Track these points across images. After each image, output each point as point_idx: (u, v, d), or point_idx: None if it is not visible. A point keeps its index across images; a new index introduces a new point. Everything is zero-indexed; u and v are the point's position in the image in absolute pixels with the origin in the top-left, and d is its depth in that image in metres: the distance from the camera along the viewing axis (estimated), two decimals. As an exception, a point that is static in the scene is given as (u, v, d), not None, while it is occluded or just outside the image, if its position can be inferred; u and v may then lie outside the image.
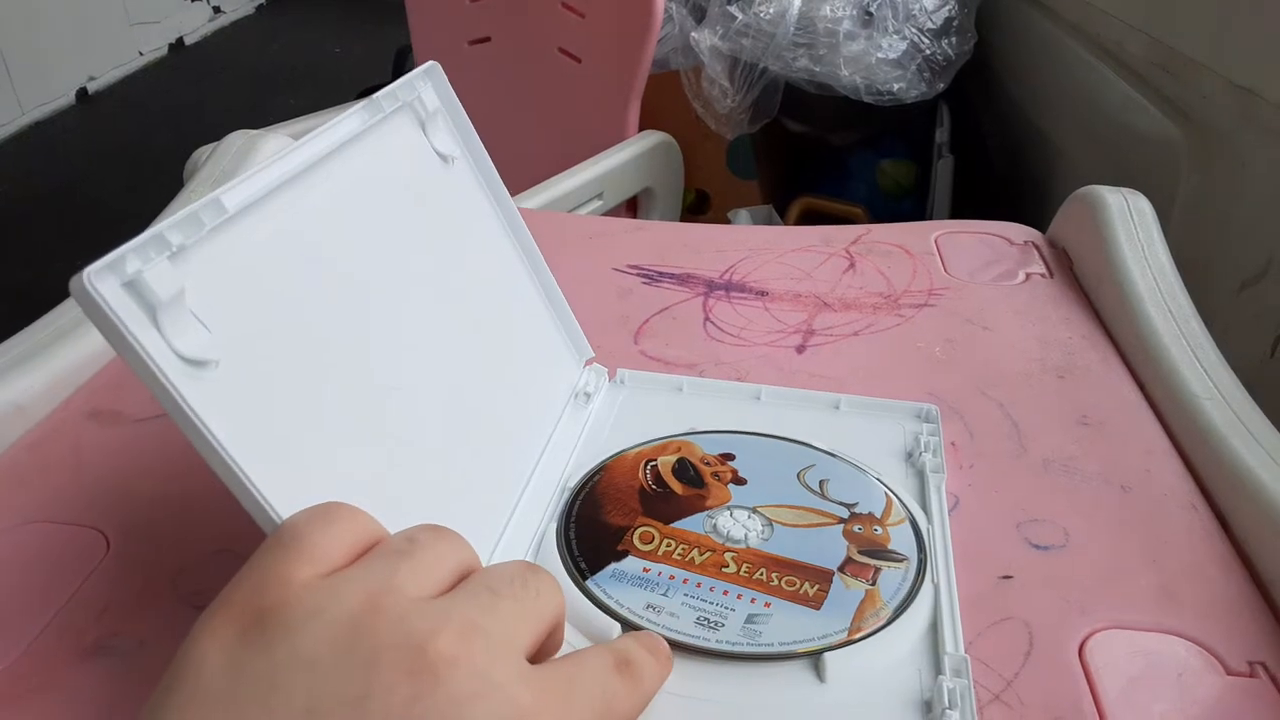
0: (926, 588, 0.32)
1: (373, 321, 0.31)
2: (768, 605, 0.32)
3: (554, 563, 0.33)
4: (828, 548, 0.34)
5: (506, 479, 0.36)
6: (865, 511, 0.36)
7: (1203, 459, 0.38)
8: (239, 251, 0.27)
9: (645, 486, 0.37)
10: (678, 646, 0.31)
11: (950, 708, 0.28)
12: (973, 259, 0.53)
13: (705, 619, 0.31)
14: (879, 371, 0.44)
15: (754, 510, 0.35)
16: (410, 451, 0.31)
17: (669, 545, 0.34)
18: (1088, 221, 0.50)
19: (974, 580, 0.33)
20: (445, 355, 0.34)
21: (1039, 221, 0.57)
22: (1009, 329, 0.47)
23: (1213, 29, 0.65)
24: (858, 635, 0.31)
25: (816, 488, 0.37)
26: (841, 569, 0.33)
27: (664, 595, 0.32)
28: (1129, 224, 0.49)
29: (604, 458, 0.38)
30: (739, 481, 0.37)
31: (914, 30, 0.93)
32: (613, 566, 0.33)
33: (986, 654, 0.30)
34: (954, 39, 0.94)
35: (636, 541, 0.34)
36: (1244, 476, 0.35)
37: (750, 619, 0.31)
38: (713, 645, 0.31)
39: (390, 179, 0.34)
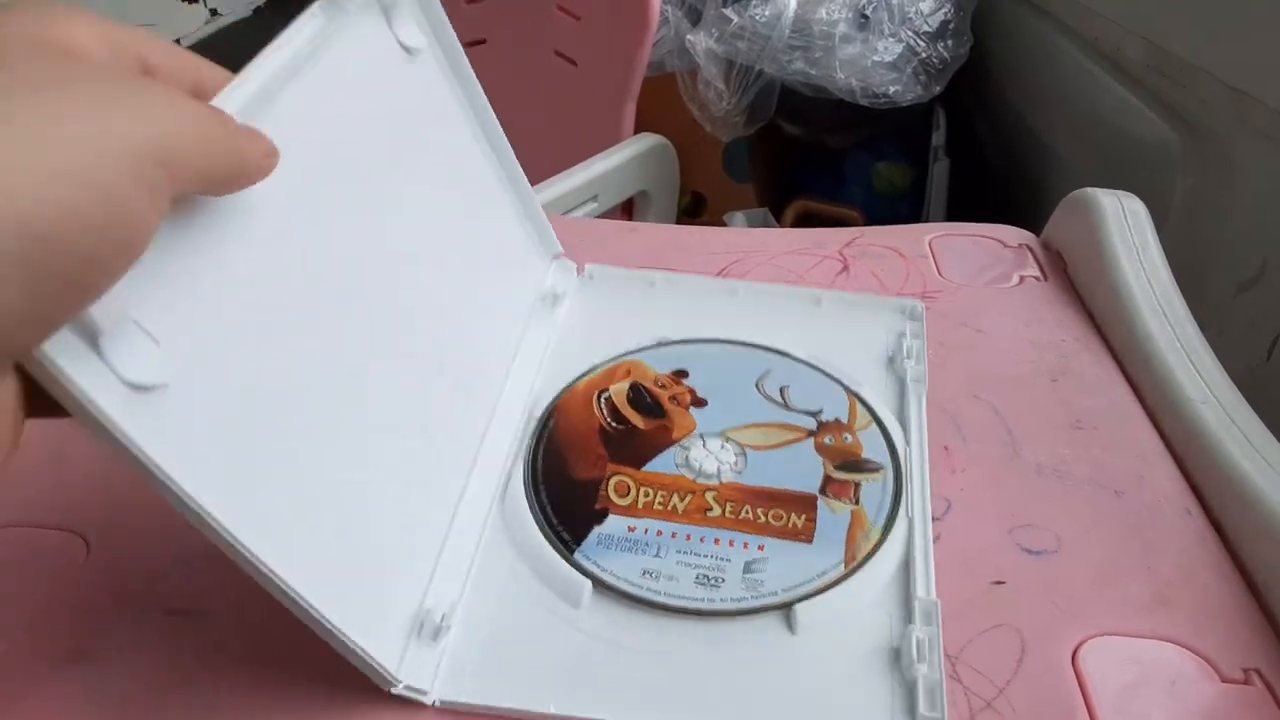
0: (900, 521, 0.32)
1: (332, 259, 0.29)
2: (761, 548, 0.31)
3: (531, 534, 0.32)
4: (804, 468, 0.33)
5: (473, 408, 0.34)
6: (832, 418, 0.35)
7: (1197, 464, 0.37)
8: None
9: (605, 425, 0.35)
10: (682, 612, 0.30)
11: (919, 660, 0.28)
12: (966, 261, 0.52)
13: (704, 576, 0.31)
14: (871, 374, 0.44)
15: (723, 436, 0.34)
16: (374, 387, 0.30)
17: (647, 495, 0.33)
18: (1082, 224, 0.50)
19: (965, 585, 0.32)
20: (409, 277, 0.32)
21: (1035, 225, 0.56)
22: (1002, 332, 0.46)
23: (1210, 33, 0.64)
24: (854, 565, 0.31)
25: (778, 397, 0.35)
26: (823, 491, 0.33)
27: (657, 556, 0.31)
28: (1123, 226, 0.48)
29: (567, 380, 0.36)
30: (699, 403, 0.35)
31: (910, 33, 0.93)
32: (596, 531, 0.32)
33: (978, 660, 0.30)
34: (950, 42, 0.94)
35: (613, 494, 0.33)
36: (1239, 482, 0.35)
37: (748, 567, 0.31)
38: (719, 606, 0.30)
39: (349, 88, 0.31)
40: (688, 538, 0.31)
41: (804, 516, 0.32)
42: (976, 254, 0.53)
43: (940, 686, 0.28)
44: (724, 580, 0.30)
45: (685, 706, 0.28)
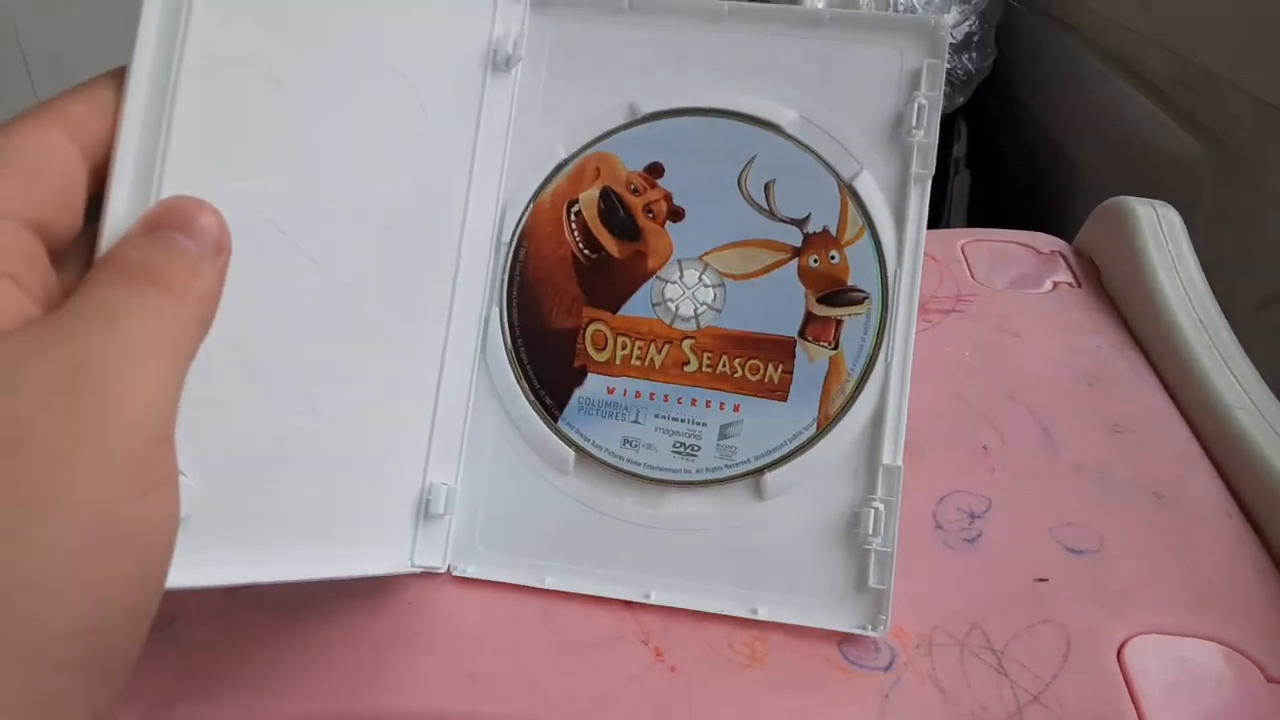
0: (879, 367, 0.32)
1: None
2: (737, 409, 0.32)
3: (516, 399, 0.33)
4: (785, 302, 0.32)
5: (438, 247, 0.32)
6: (819, 229, 0.32)
7: (1236, 468, 0.37)
8: None
9: (577, 254, 0.33)
10: (658, 483, 0.32)
11: (874, 534, 0.30)
12: (999, 266, 0.53)
13: (681, 445, 0.32)
14: (908, 374, 0.44)
15: (702, 265, 0.33)
16: (347, 312, 0.27)
17: (624, 348, 0.33)
18: (1117, 232, 0.50)
19: (1009, 581, 0.33)
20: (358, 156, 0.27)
21: (1058, 237, 0.56)
22: (1037, 336, 0.46)
23: (1239, 45, 0.65)
24: (826, 424, 0.31)
25: (762, 199, 0.33)
26: (802, 333, 0.32)
27: (636, 422, 0.32)
28: (1159, 235, 0.49)
29: (533, 186, 0.33)
30: (675, 215, 0.33)
31: (934, 44, 0.93)
32: (577, 395, 0.33)
33: (1024, 655, 0.30)
34: (974, 54, 0.94)
35: (590, 348, 0.33)
36: (1279, 485, 0.35)
37: (723, 433, 0.32)
38: (694, 477, 0.32)
39: None
40: (665, 399, 0.32)
41: (780, 368, 0.32)
42: (1009, 259, 0.53)
43: (891, 559, 0.31)
44: (700, 449, 0.32)
45: (660, 573, 0.32)
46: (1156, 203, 0.50)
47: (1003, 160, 1.05)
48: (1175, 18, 0.73)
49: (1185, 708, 0.29)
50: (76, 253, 0.20)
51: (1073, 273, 0.52)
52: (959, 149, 1.02)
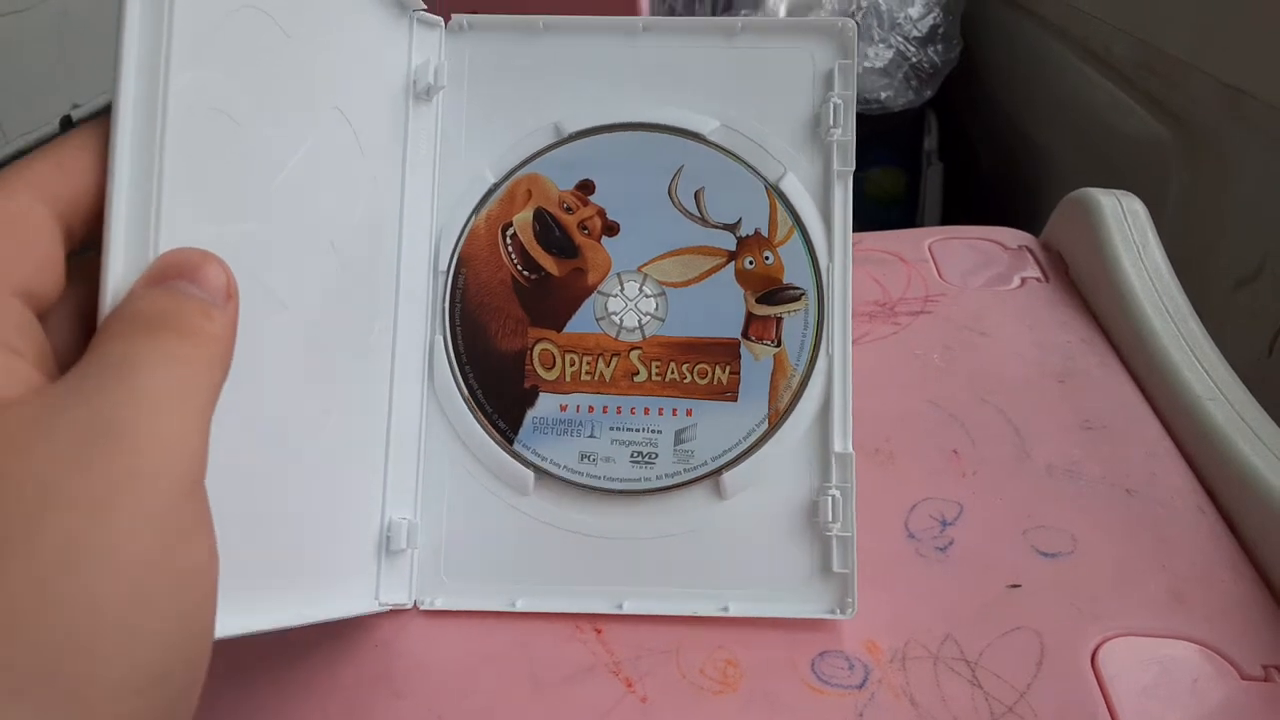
0: (821, 360, 0.32)
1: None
2: (690, 413, 0.33)
3: (468, 424, 0.33)
4: (725, 305, 0.33)
5: (376, 279, 0.31)
6: (751, 231, 0.33)
7: (1207, 460, 0.37)
8: None
9: (517, 276, 0.33)
10: (620, 494, 0.32)
11: (833, 520, 0.31)
12: (967, 264, 0.53)
13: (638, 454, 0.32)
14: (877, 380, 0.43)
15: (641, 276, 0.33)
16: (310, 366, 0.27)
17: (573, 364, 0.33)
18: (1081, 224, 0.50)
19: (982, 589, 0.32)
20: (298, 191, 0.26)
21: (1031, 226, 0.56)
22: (1006, 334, 0.46)
23: (1200, 28, 0.65)
24: (777, 420, 0.32)
25: (694, 207, 0.33)
26: (745, 333, 0.33)
27: (591, 437, 0.32)
28: (1123, 225, 0.48)
29: (465, 213, 0.33)
30: (611, 230, 0.33)
31: (900, 39, 0.93)
32: (530, 416, 0.33)
33: (998, 665, 0.30)
34: (940, 46, 0.94)
35: (539, 368, 0.33)
36: (1251, 478, 0.35)
37: (679, 438, 0.32)
38: (654, 484, 0.32)
39: None
40: (618, 410, 0.33)
41: (728, 369, 0.33)
42: (977, 257, 0.53)
43: (852, 543, 0.31)
44: (657, 456, 0.32)
45: (630, 583, 0.32)
46: (1120, 193, 0.50)
47: (974, 152, 1.05)
48: (1137, 2, 0.73)
49: (1160, 711, 0.29)
50: (62, 314, 0.20)
51: (1040, 267, 0.52)
52: (930, 142, 1.02)
